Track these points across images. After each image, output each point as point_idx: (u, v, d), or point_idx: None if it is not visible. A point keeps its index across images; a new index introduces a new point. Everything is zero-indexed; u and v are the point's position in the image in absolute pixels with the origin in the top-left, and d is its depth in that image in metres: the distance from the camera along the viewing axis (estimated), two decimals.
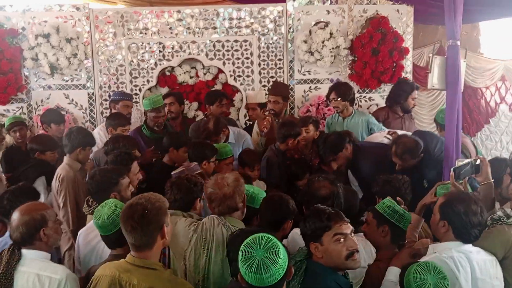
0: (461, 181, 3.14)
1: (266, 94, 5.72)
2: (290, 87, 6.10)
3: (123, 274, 2.37)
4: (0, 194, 3.46)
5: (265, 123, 5.15)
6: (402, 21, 6.01)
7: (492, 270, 2.70)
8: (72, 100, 6.10)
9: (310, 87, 6.14)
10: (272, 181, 4.52)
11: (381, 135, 4.80)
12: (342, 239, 2.46)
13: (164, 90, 6.16)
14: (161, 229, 2.43)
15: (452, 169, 3.17)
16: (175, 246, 2.87)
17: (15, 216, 2.72)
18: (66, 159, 4.34)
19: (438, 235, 2.80)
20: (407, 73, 6.03)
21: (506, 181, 3.16)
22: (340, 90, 5.17)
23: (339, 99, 5.13)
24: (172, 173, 3.87)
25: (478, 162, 3.21)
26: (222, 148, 4.38)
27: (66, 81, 6.06)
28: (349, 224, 2.56)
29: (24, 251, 2.71)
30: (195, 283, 2.79)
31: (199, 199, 3.26)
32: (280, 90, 5.55)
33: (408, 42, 6.01)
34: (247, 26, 6.07)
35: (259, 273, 1.98)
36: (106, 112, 6.04)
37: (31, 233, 2.69)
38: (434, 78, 4.10)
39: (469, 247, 2.69)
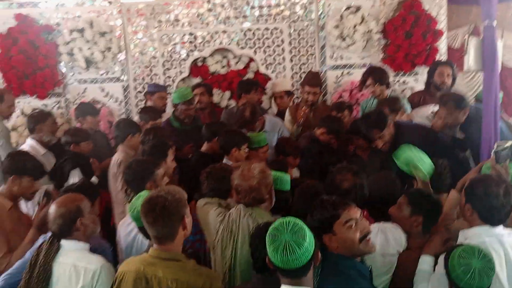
0: (501, 164, 3.10)
1: (294, 84, 5.77)
2: (321, 73, 6.08)
3: (148, 268, 2.43)
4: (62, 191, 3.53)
5: (301, 114, 5.14)
6: (435, 3, 5.90)
7: None
8: (108, 93, 6.20)
9: (342, 73, 6.09)
10: (306, 169, 4.51)
11: (428, 110, 4.76)
12: (353, 225, 2.41)
13: (197, 80, 6.21)
14: (182, 220, 2.48)
15: (493, 152, 3.13)
16: (209, 236, 2.94)
17: (52, 208, 2.80)
18: (120, 147, 4.48)
19: (466, 218, 2.77)
20: (442, 55, 5.93)
21: None
22: (376, 75, 5.13)
23: (376, 84, 5.09)
24: None
25: None
26: (257, 137, 4.36)
27: (101, 74, 6.17)
28: (356, 207, 2.52)
29: (62, 242, 2.78)
30: (223, 274, 2.84)
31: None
32: (317, 81, 5.51)
33: (441, 24, 5.91)
34: (277, 14, 6.05)
35: (285, 254, 2.01)
36: (141, 104, 6.13)
37: (68, 224, 2.76)
38: (470, 60, 4.03)
39: (500, 229, 2.65)
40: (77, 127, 5.46)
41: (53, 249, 2.75)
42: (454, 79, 5.15)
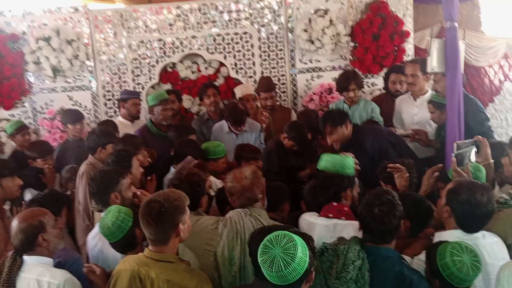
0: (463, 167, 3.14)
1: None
2: (292, 77, 6.11)
3: (142, 268, 2.47)
4: (28, 203, 3.54)
5: (263, 118, 5.19)
6: (402, 4, 5.98)
7: (499, 253, 2.67)
8: (76, 101, 6.13)
9: (312, 76, 6.13)
10: (272, 172, 4.51)
11: None
12: None
13: (167, 86, 6.18)
14: (176, 228, 2.49)
15: (453, 155, 3.16)
16: (199, 244, 2.90)
17: (14, 223, 2.75)
18: (90, 158, 4.38)
19: (441, 218, 2.80)
20: (409, 56, 6.00)
21: (506, 163, 3.09)
22: (358, 79, 5.16)
23: (356, 89, 5.14)
24: (172, 173, 3.87)
25: (477, 142, 3.21)
26: (216, 148, 4.39)
27: (69, 83, 6.09)
28: None
29: (25, 257, 2.73)
30: (232, 275, 2.84)
31: (204, 196, 3.26)
32: (271, 85, 5.56)
33: (408, 25, 5.98)
34: (246, 18, 6.05)
35: (274, 270, 2.01)
36: (110, 112, 6.09)
37: (29, 239, 2.71)
38: (434, 61, 4.07)
39: (474, 233, 2.67)
40: (36, 141, 5.37)
41: (16, 264, 2.71)
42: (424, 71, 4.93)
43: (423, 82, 4.95)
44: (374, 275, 2.47)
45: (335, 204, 3.07)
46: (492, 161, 3.17)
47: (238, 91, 5.72)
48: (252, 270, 2.63)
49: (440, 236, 2.73)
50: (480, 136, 3.35)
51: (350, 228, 2.89)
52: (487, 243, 2.64)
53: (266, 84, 5.54)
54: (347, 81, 5.12)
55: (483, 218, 2.63)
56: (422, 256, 2.66)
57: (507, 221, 2.82)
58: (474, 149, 3.20)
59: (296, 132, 4.54)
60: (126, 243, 2.86)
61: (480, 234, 2.68)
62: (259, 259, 2.07)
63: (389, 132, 4.46)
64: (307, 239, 2.20)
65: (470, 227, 2.65)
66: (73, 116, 5.46)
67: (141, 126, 5.19)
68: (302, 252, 2.06)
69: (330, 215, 3.00)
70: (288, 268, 2.00)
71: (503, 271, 2.42)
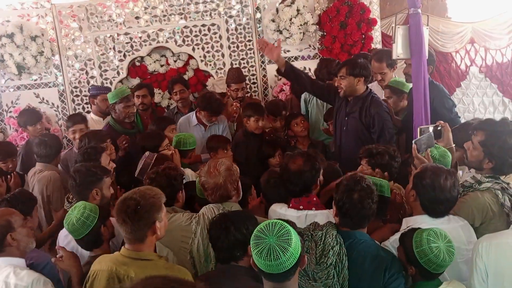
0: (423, 153, 3.19)
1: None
2: (262, 67, 6.11)
3: (120, 268, 2.43)
4: None
5: (235, 109, 5.18)
6: None
7: (465, 236, 2.73)
8: (43, 98, 6.02)
9: None
10: (239, 161, 4.53)
11: None
12: None
13: (136, 81, 6.12)
14: (152, 226, 2.48)
15: (413, 141, 3.21)
16: (173, 241, 2.88)
17: None
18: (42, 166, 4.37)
19: (408, 202, 2.89)
20: (377, 43, 6.06)
21: (469, 148, 3.10)
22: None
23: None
24: (138, 172, 3.84)
25: (439, 127, 3.25)
26: (187, 139, 4.42)
27: (35, 80, 5.97)
28: None
29: None
30: (209, 271, 2.82)
31: (180, 191, 3.26)
32: (242, 77, 5.55)
33: (375, 13, 6.03)
34: (213, 10, 6.01)
35: (269, 259, 1.98)
36: (78, 108, 6.00)
37: None
38: (399, 48, 4.11)
39: (439, 218, 2.73)
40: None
41: None
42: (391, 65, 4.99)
43: (391, 74, 4.98)
44: (351, 259, 2.52)
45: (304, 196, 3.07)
46: (453, 145, 3.22)
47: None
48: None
49: (407, 221, 2.79)
50: (442, 121, 3.39)
51: (320, 217, 2.91)
52: (451, 227, 2.69)
53: (236, 75, 5.51)
54: (338, 67, 4.93)
55: (447, 203, 2.69)
56: (388, 242, 2.71)
57: (473, 204, 2.86)
58: (431, 134, 3.23)
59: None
60: (91, 240, 2.83)
61: (445, 218, 2.74)
62: (253, 251, 2.03)
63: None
64: (291, 223, 2.20)
65: (435, 212, 2.72)
66: (31, 117, 5.36)
67: (104, 124, 5.13)
68: (295, 237, 2.05)
69: (301, 207, 3.01)
70: (286, 254, 1.98)
71: (481, 243, 2.47)
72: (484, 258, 2.44)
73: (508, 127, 2.95)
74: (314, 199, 3.05)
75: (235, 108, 5.18)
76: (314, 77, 5.15)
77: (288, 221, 2.16)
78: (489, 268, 2.43)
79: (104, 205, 3.04)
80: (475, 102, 7.38)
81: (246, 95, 5.62)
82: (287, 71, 4.50)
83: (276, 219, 2.16)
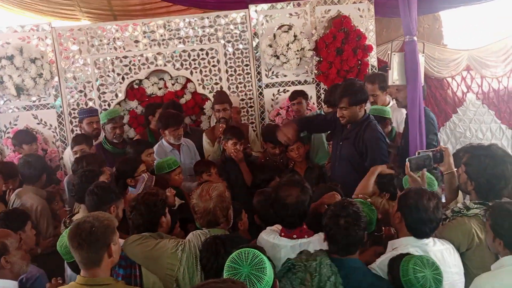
0: (418, 173, 3.20)
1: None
2: (259, 92, 6.16)
3: None
4: None
5: (220, 130, 5.16)
6: (364, 19, 6.09)
7: (449, 259, 2.75)
8: (41, 120, 6.04)
9: (279, 90, 6.18)
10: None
11: None
12: None
13: (134, 103, 6.17)
14: (108, 247, 2.46)
15: (407, 159, 3.22)
16: (160, 269, 2.84)
17: None
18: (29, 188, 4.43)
19: (394, 224, 2.90)
20: (373, 69, 6.12)
21: (460, 172, 3.13)
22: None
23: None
24: (136, 191, 3.85)
25: (438, 153, 3.27)
26: (166, 162, 4.48)
27: (34, 101, 6.01)
28: None
29: None
30: None
31: (163, 216, 3.17)
32: (224, 98, 5.53)
33: (371, 39, 6.09)
34: (211, 34, 6.09)
35: None
36: (76, 130, 6.00)
37: None
38: (395, 75, 4.17)
39: (424, 240, 2.74)
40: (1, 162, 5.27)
41: None
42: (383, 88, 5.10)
43: (383, 97, 5.05)
44: None
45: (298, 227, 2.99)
46: (455, 170, 3.23)
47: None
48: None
49: (392, 244, 2.82)
50: (443, 146, 3.41)
51: (314, 245, 2.85)
52: (436, 249, 2.73)
53: (218, 96, 5.56)
54: (340, 97, 4.67)
55: (431, 223, 2.71)
56: (375, 265, 2.71)
57: (459, 229, 2.88)
58: (430, 155, 3.25)
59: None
60: None
61: (430, 240, 2.76)
62: None
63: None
64: (263, 250, 2.20)
65: (420, 232, 2.73)
66: (26, 137, 5.45)
67: (96, 143, 5.18)
68: (268, 264, 2.07)
69: (294, 236, 2.91)
70: (262, 283, 2.00)
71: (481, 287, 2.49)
72: None
73: (492, 152, 2.98)
74: (305, 226, 3.00)
75: (220, 129, 5.16)
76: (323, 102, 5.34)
77: (258, 247, 2.18)
78: None
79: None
80: (472, 128, 7.42)
81: (230, 116, 5.51)
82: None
83: (246, 246, 2.16)
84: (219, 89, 6.08)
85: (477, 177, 2.97)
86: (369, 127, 4.22)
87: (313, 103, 6.12)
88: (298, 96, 5.62)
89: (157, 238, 3.00)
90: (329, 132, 4.95)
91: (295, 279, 2.48)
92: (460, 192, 3.33)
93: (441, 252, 2.72)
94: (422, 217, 2.69)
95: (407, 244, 2.72)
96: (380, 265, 2.70)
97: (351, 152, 4.24)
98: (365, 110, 4.33)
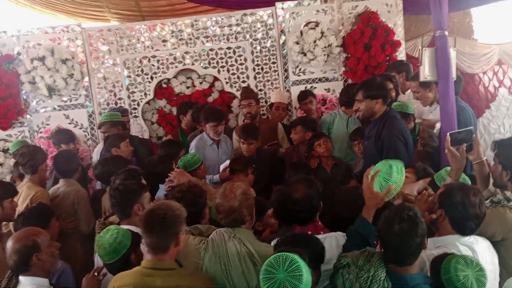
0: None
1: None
2: (286, 89, 6.15)
3: (146, 279, 2.50)
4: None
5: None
6: (392, 14, 6.02)
7: (489, 256, 2.69)
8: (73, 120, 6.15)
9: (306, 87, 6.14)
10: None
11: None
12: None
13: (162, 102, 6.24)
14: (177, 236, 2.55)
15: (448, 133, 3.17)
16: (187, 265, 2.85)
17: (9, 244, 2.77)
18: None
19: (436, 224, 2.78)
20: None
21: (497, 169, 3.08)
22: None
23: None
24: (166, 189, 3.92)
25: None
26: (191, 159, 4.43)
27: (65, 101, 6.12)
28: None
29: (21, 278, 2.76)
30: None
31: (206, 207, 3.30)
32: (249, 93, 5.59)
33: (399, 35, 6.02)
34: (238, 33, 6.10)
35: None
36: None
37: (24, 260, 2.73)
38: (426, 70, 4.13)
39: (470, 237, 2.67)
40: None
41: (11, 284, 2.75)
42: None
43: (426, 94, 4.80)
44: None
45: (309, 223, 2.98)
46: (485, 158, 3.18)
47: (273, 96, 5.84)
48: None
49: (435, 242, 2.71)
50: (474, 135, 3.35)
51: (329, 241, 2.81)
52: (480, 247, 2.66)
53: (243, 92, 5.66)
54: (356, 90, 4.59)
55: (477, 219, 2.64)
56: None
57: (497, 219, 2.85)
58: (471, 130, 3.19)
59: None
60: (120, 266, 2.79)
61: (475, 239, 2.69)
62: (263, 287, 2.01)
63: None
64: (304, 256, 2.14)
65: (465, 229, 2.65)
66: (65, 136, 5.56)
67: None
68: (306, 272, 2.02)
69: (309, 232, 2.88)
70: None
71: None
72: None
73: None
74: (319, 223, 2.98)
75: None
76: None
77: (299, 252, 2.12)
78: None
79: (137, 235, 3.00)
80: (506, 123, 7.29)
81: (258, 112, 5.59)
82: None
83: (286, 250, 2.11)
84: (245, 86, 6.10)
85: (511, 166, 2.94)
86: (388, 123, 4.06)
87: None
88: (309, 95, 5.63)
89: (193, 233, 3.03)
90: (353, 131, 4.93)
91: (346, 280, 2.41)
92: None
93: (484, 250, 2.65)
94: (469, 213, 2.60)
95: (455, 242, 2.63)
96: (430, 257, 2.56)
97: (373, 151, 4.10)
98: (386, 107, 4.17)
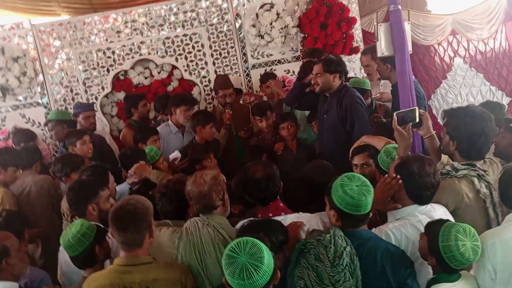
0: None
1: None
2: (246, 73, 6.12)
3: (123, 277, 2.47)
4: None
5: (228, 116, 5.15)
6: None
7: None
8: (29, 118, 6.01)
9: (265, 70, 6.12)
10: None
11: None
12: None
13: (121, 95, 6.12)
14: (150, 228, 2.56)
15: (395, 113, 3.22)
16: (162, 257, 2.81)
17: None
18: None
19: (394, 196, 2.84)
20: (358, 42, 6.09)
21: (445, 138, 3.14)
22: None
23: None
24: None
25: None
26: (149, 153, 4.34)
27: (20, 100, 5.96)
28: None
29: None
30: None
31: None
32: (229, 83, 5.48)
33: (354, 11, 6.05)
34: (193, 19, 6.02)
35: (242, 278, 1.97)
36: None
37: None
38: (382, 46, 4.12)
39: (427, 206, 2.74)
40: None
41: None
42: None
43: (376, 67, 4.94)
44: (361, 258, 2.45)
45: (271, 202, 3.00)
46: (434, 132, 3.25)
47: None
48: (214, 280, 2.68)
49: (394, 214, 2.78)
50: (421, 110, 3.40)
51: (290, 221, 2.84)
52: (438, 214, 2.71)
53: (223, 82, 5.47)
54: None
55: (433, 188, 2.70)
56: (388, 228, 2.69)
57: (449, 190, 2.89)
58: (415, 109, 3.25)
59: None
60: (84, 258, 2.78)
61: (432, 206, 2.76)
62: (226, 272, 2.03)
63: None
64: (264, 240, 2.17)
65: (422, 198, 2.72)
66: (24, 135, 5.41)
67: None
68: (267, 254, 2.05)
69: (270, 214, 2.91)
70: (259, 273, 1.99)
71: (485, 244, 2.48)
72: (491, 259, 2.47)
73: (471, 110, 3.02)
74: (281, 204, 2.99)
75: (228, 116, 5.15)
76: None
77: (259, 237, 2.15)
78: (498, 266, 2.47)
79: (102, 228, 2.95)
80: (463, 92, 7.41)
81: (234, 101, 5.55)
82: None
83: (248, 235, 2.15)
84: (219, 74, 5.95)
85: (458, 136, 3.00)
86: (347, 93, 4.30)
87: None
88: (270, 78, 5.59)
89: (164, 226, 2.98)
90: (308, 113, 5.01)
91: (310, 257, 2.42)
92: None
93: (440, 216, 2.68)
94: (424, 183, 2.66)
95: (414, 212, 2.70)
96: (393, 230, 2.66)
97: (335, 121, 4.29)
98: (341, 82, 4.37)
